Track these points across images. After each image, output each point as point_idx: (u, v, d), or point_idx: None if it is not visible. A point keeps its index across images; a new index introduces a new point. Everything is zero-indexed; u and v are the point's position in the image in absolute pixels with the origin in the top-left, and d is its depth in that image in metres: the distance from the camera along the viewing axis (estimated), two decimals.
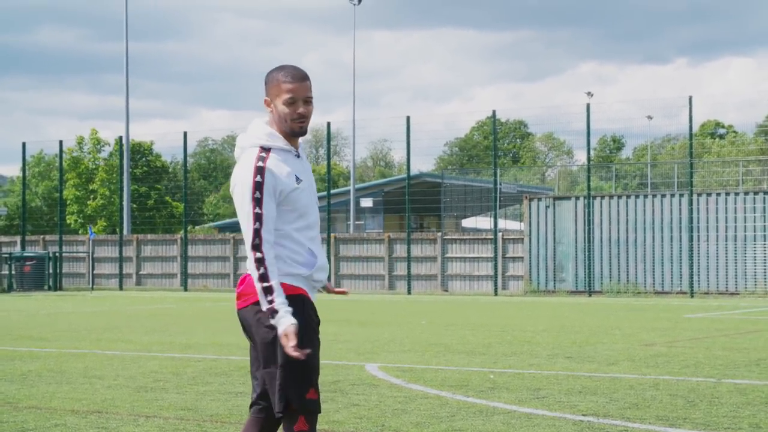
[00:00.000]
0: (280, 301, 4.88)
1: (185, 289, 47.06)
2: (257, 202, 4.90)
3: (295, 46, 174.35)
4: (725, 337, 18.29)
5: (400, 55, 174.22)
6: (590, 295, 39.47)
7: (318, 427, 8.30)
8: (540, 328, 20.53)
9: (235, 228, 68.85)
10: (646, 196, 41.03)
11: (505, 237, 43.44)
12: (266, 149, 5.02)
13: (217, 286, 47.83)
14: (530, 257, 41.81)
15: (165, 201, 71.73)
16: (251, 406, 5.24)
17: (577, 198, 42.32)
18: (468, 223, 65.52)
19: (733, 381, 11.43)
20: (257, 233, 4.90)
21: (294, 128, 5.10)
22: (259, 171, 4.93)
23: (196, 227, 75.57)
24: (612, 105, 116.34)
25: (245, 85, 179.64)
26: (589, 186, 42.88)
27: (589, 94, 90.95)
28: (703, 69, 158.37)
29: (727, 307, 29.59)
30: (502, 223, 52.68)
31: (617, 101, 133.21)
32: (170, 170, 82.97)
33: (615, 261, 40.28)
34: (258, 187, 4.91)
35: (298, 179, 5.04)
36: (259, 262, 4.90)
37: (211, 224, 79.32)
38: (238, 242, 48.63)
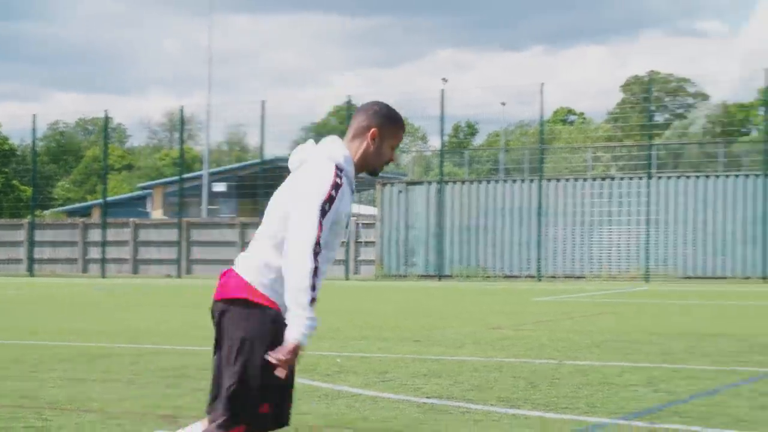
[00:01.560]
0: (312, 316, 4.75)
1: (31, 275, 46.07)
2: (324, 213, 4.80)
3: (153, 29, 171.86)
4: (570, 320, 18.69)
5: (258, 40, 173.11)
6: (440, 280, 39.91)
7: (160, 412, 8.24)
8: (390, 312, 20.69)
9: (85, 212, 67.70)
10: (497, 182, 41.66)
11: (358, 221, 43.65)
12: (340, 170, 4.95)
13: (66, 272, 46.94)
14: (382, 242, 42.10)
15: (12, 185, 70.07)
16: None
17: (430, 183, 42.74)
18: None
19: (574, 362, 11.68)
20: (318, 243, 4.77)
21: (377, 169, 5.16)
22: (336, 187, 4.85)
23: (45, 212, 73.96)
24: (468, 91, 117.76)
25: (100, 68, 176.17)
26: (441, 171, 43.34)
27: (444, 80, 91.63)
28: (558, 57, 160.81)
29: (572, 291, 30.24)
30: (356, 208, 52.83)
31: (473, 88, 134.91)
32: (19, 153, 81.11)
33: (465, 245, 40.81)
34: (331, 200, 4.82)
35: (347, 211, 5.01)
36: (314, 272, 4.74)
37: (60, 209, 77.76)
38: (88, 227, 47.85)
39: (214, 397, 4.95)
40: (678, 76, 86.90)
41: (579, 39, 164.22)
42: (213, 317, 5.07)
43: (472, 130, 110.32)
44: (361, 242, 43.17)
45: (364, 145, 5.07)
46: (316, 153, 5.03)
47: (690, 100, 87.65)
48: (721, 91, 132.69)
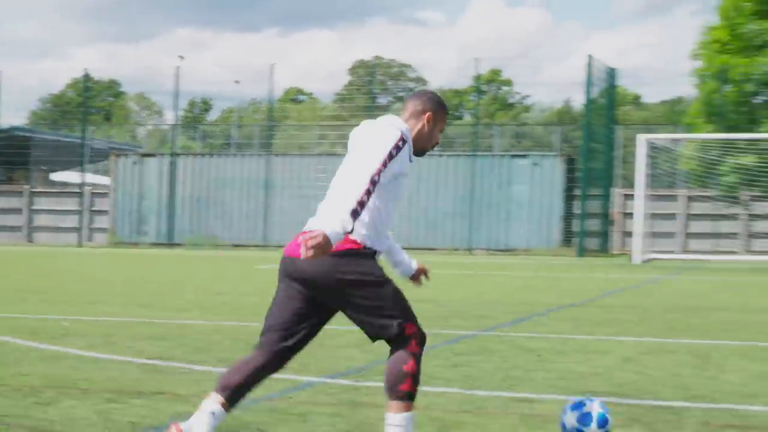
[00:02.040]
0: (348, 219, 4.79)
1: None
2: (390, 157, 5.03)
3: None
4: None
5: None
6: (171, 248, 40.21)
7: None
8: (120, 279, 20.98)
9: None
10: (227, 156, 42.41)
11: (93, 191, 43.57)
12: (403, 133, 5.19)
13: None
14: (116, 211, 42.14)
15: None
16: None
17: (163, 155, 42.99)
18: (58, 177, 64.47)
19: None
20: (379, 174, 4.97)
21: (426, 149, 5.45)
22: (404, 141, 5.14)
23: None
24: (204, 70, 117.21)
25: None
26: (174, 144, 43.73)
27: (181, 57, 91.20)
28: (291, 39, 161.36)
29: None
30: (92, 178, 52.39)
31: (210, 66, 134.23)
32: None
33: (196, 216, 41.39)
34: (398, 148, 5.08)
35: (406, 171, 5.28)
36: (367, 193, 4.87)
37: None
38: None
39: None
40: (400, 62, 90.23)
41: (310, 23, 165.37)
42: (289, 274, 5.32)
43: (206, 106, 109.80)
44: (95, 211, 43.09)
45: (419, 125, 5.39)
46: (379, 122, 5.29)
47: (411, 85, 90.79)
48: (439, 77, 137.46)
